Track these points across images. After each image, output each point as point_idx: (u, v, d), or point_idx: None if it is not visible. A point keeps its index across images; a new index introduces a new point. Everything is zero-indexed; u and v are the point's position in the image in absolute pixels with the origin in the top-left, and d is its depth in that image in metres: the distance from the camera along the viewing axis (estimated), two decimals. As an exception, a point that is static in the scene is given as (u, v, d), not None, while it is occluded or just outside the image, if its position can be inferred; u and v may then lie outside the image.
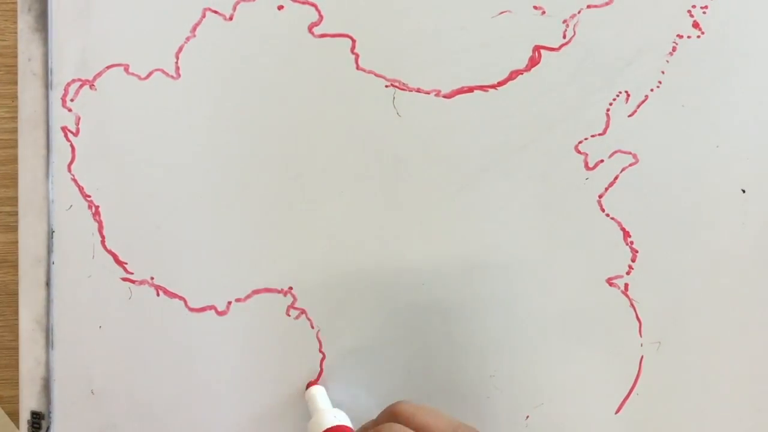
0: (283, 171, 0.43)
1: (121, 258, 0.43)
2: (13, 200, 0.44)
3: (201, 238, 0.43)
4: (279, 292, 0.43)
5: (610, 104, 0.43)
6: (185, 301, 0.43)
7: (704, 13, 0.42)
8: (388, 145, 0.43)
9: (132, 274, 0.43)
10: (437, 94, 0.43)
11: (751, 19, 0.42)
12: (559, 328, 0.43)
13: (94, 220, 0.43)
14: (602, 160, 0.43)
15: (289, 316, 0.43)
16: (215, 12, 0.43)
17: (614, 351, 0.43)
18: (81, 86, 0.43)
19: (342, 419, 0.39)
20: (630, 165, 0.43)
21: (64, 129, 0.44)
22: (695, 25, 0.42)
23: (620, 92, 0.43)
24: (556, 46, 0.43)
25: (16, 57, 0.44)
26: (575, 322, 0.43)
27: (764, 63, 0.42)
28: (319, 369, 0.43)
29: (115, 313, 0.43)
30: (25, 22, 0.43)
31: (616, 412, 0.43)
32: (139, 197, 0.43)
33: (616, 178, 0.43)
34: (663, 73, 0.43)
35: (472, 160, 0.43)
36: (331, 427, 0.37)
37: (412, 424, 0.33)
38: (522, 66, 0.43)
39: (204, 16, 0.43)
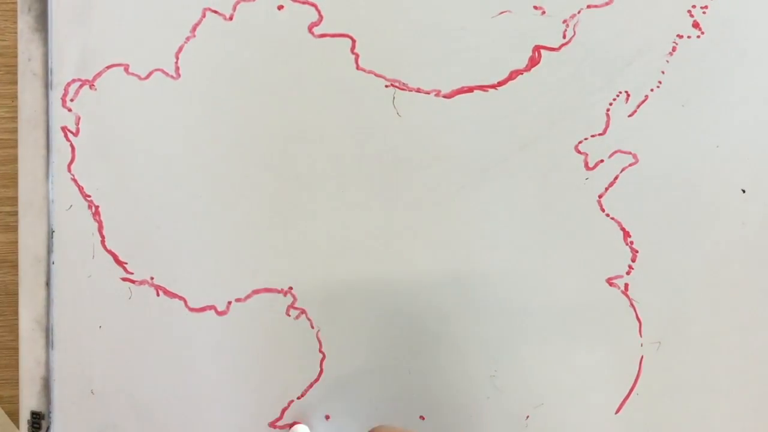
0: (282, 171, 0.43)
1: (121, 258, 0.43)
2: (13, 200, 0.44)
3: (201, 238, 0.43)
4: (279, 292, 0.43)
5: (610, 104, 0.43)
6: (185, 301, 0.43)
7: (704, 13, 0.42)
8: (388, 145, 0.43)
9: (132, 274, 0.43)
10: (437, 94, 0.43)
11: (750, 19, 0.42)
12: (559, 328, 0.43)
13: (94, 220, 0.43)
14: (602, 160, 0.43)
15: (289, 316, 0.43)
16: (215, 12, 0.43)
17: (614, 351, 0.43)
18: (81, 86, 0.43)
19: None
20: (630, 165, 0.43)
21: (64, 129, 0.44)
22: (695, 25, 0.42)
23: (620, 92, 0.43)
24: (556, 46, 0.43)
25: (16, 57, 0.44)
26: (575, 322, 0.43)
27: (764, 63, 0.42)
28: (319, 369, 0.43)
29: (115, 313, 0.43)
30: (25, 22, 0.43)
31: (616, 412, 0.43)
32: (139, 197, 0.43)
33: (616, 178, 0.43)
34: (663, 73, 0.43)
35: (472, 160, 0.43)
36: None
37: None
38: (522, 66, 0.43)
39: (204, 16, 0.43)
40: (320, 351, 0.43)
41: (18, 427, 0.44)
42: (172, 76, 0.43)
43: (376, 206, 0.43)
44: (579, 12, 0.43)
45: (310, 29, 0.43)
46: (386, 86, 0.43)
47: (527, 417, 0.43)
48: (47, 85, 0.43)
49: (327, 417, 0.43)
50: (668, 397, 0.43)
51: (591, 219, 0.43)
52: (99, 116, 0.43)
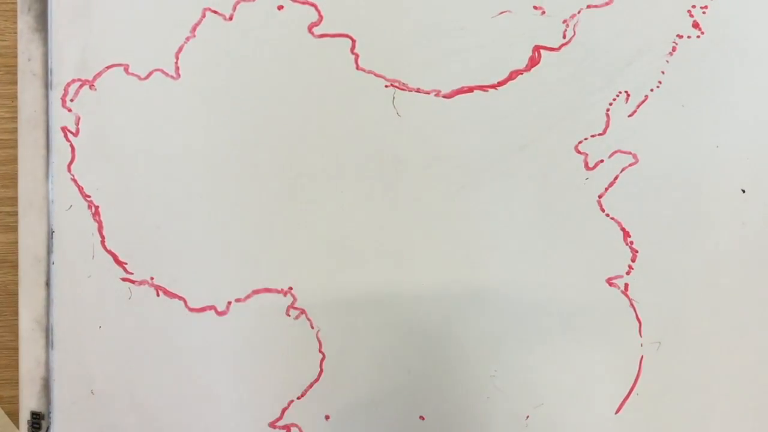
0: (283, 171, 0.43)
1: (121, 258, 0.43)
2: (13, 200, 0.44)
3: (201, 238, 0.43)
4: (279, 292, 0.43)
5: (610, 104, 0.43)
6: (185, 301, 0.43)
7: (704, 13, 0.42)
8: (388, 145, 0.43)
9: (132, 274, 0.43)
10: (437, 94, 0.43)
11: (750, 19, 0.42)
12: (559, 328, 0.43)
13: (94, 220, 0.43)
14: (602, 160, 0.43)
15: (289, 316, 0.43)
16: (215, 12, 0.43)
17: (614, 351, 0.43)
18: (81, 86, 0.43)
19: None
20: (630, 165, 0.43)
21: (63, 129, 0.44)
22: (695, 25, 0.42)
23: (620, 92, 0.43)
24: (556, 46, 0.43)
25: (16, 57, 0.44)
26: (575, 322, 0.43)
27: (764, 63, 0.42)
28: (319, 369, 0.43)
29: (115, 313, 0.43)
30: (25, 22, 0.43)
31: (616, 412, 0.43)
32: (138, 197, 0.43)
33: (616, 178, 0.43)
34: (663, 73, 0.43)
35: (472, 160, 0.43)
36: None
37: None
38: (522, 66, 0.43)
39: (204, 16, 0.43)
40: (320, 351, 0.43)
41: (18, 428, 0.44)
42: (172, 77, 0.43)
43: (376, 206, 0.43)
44: (579, 12, 0.43)
45: (310, 29, 0.43)
46: (386, 86, 0.43)
47: (527, 417, 0.43)
48: (47, 85, 0.43)
49: (327, 417, 0.43)
50: (668, 397, 0.43)
51: (591, 219, 0.43)
52: (99, 116, 0.43)
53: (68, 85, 0.43)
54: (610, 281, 0.43)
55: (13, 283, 0.44)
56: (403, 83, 0.43)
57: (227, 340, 0.43)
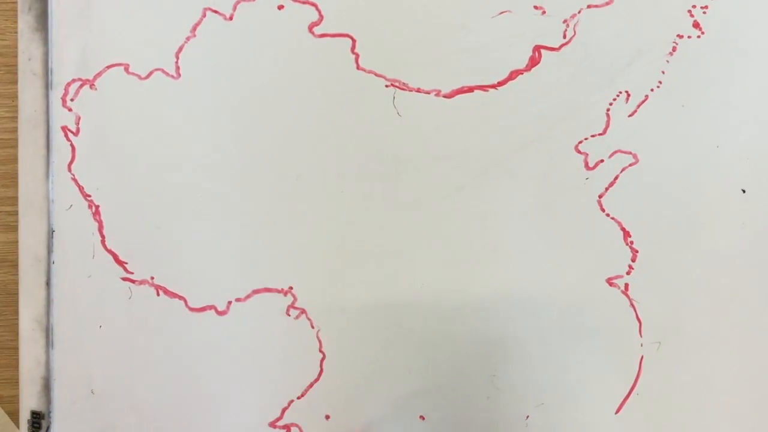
0: (283, 171, 0.43)
1: (121, 258, 0.43)
2: (13, 200, 0.44)
3: (201, 237, 0.43)
4: (279, 291, 0.43)
5: (611, 104, 0.43)
6: (185, 301, 0.43)
7: (704, 13, 0.42)
8: (388, 145, 0.43)
9: (132, 273, 0.43)
10: (437, 94, 0.43)
11: (751, 18, 0.42)
12: (559, 327, 0.43)
13: (94, 219, 0.43)
14: (602, 160, 0.43)
15: (289, 315, 0.43)
16: (215, 12, 0.43)
17: (614, 351, 0.43)
18: (81, 86, 0.43)
19: None
20: (630, 165, 0.43)
21: (64, 129, 0.44)
22: (695, 25, 0.42)
23: (620, 92, 0.43)
24: (557, 46, 0.43)
25: (16, 57, 0.44)
26: (575, 322, 0.43)
27: (764, 63, 0.42)
28: (319, 369, 0.43)
29: (115, 312, 0.43)
30: (25, 21, 0.43)
31: (616, 412, 0.43)
32: (139, 197, 0.43)
33: (616, 178, 0.43)
34: (663, 73, 0.43)
35: (472, 160, 0.43)
36: None
37: None
38: (522, 66, 0.43)
39: (204, 15, 0.43)
40: (320, 351, 0.43)
41: (18, 427, 0.44)
42: (172, 76, 0.43)
43: (376, 206, 0.43)
44: (579, 12, 0.43)
45: (310, 29, 0.43)
46: (386, 86, 0.43)
47: (527, 417, 0.43)
48: (47, 85, 0.43)
49: (327, 417, 0.43)
50: (668, 397, 0.43)
51: (591, 219, 0.43)
52: (99, 116, 0.43)
53: (68, 84, 0.43)
54: (610, 281, 0.43)
55: (14, 282, 0.44)
56: (404, 83, 0.43)
57: (227, 340, 0.43)
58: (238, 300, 0.43)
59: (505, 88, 0.43)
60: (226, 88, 0.43)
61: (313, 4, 0.43)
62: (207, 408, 0.43)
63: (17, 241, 0.43)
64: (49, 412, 0.43)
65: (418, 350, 0.43)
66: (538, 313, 0.43)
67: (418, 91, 0.43)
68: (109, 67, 0.43)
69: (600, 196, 0.43)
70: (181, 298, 0.43)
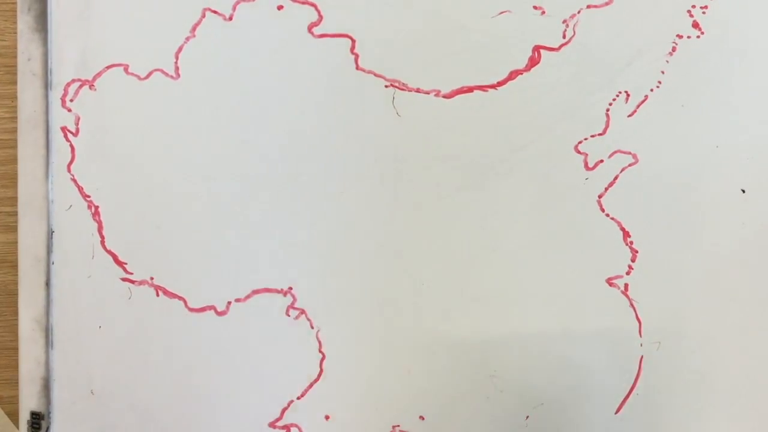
0: (282, 171, 0.43)
1: (121, 258, 0.43)
2: (13, 200, 0.44)
3: (201, 238, 0.43)
4: (279, 292, 0.43)
5: (610, 104, 0.43)
6: (185, 302, 0.43)
7: (704, 13, 0.42)
8: (387, 145, 0.43)
9: (132, 274, 0.43)
10: (437, 94, 0.43)
11: (750, 19, 0.42)
12: (559, 327, 0.43)
13: (94, 220, 0.43)
14: (602, 160, 0.43)
15: (288, 316, 0.43)
16: (215, 12, 0.43)
17: (614, 351, 0.43)
18: (81, 86, 0.43)
19: None
20: (630, 165, 0.43)
21: (63, 129, 0.44)
22: (695, 25, 0.42)
23: (620, 92, 0.43)
24: (556, 46, 0.43)
25: (15, 57, 0.44)
26: (575, 322, 0.43)
27: (764, 63, 0.42)
28: (319, 369, 0.43)
29: (115, 313, 0.43)
30: (24, 22, 0.43)
31: (616, 412, 0.43)
32: (138, 197, 0.43)
33: (615, 178, 0.43)
34: (663, 73, 0.43)
35: (471, 160, 0.43)
36: None
37: None
38: (522, 66, 0.43)
39: (204, 16, 0.43)
40: (320, 351, 0.43)
41: (18, 428, 0.44)
42: (171, 77, 0.43)
43: (376, 206, 0.43)
44: (579, 12, 0.43)
45: (309, 29, 0.43)
46: (386, 86, 0.43)
47: (527, 417, 0.43)
48: (47, 86, 0.43)
49: (327, 417, 0.43)
50: (668, 397, 0.43)
51: (591, 219, 0.43)
52: (99, 116, 0.43)
53: (68, 85, 0.43)
54: (609, 281, 0.43)
55: (13, 283, 0.44)
56: (403, 83, 0.43)
57: (227, 341, 0.43)
58: (237, 300, 0.43)
59: (505, 89, 0.43)
60: (225, 88, 0.43)
61: (313, 5, 0.43)
62: (207, 408, 0.43)
63: (17, 242, 0.43)
64: (49, 413, 0.43)
65: (417, 350, 0.43)
66: (538, 313, 0.43)
67: (418, 91, 0.43)
68: (108, 67, 0.43)
69: (600, 196, 0.43)
70: (180, 298, 0.43)
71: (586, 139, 0.43)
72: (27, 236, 0.43)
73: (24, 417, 0.43)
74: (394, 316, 0.43)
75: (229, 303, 0.43)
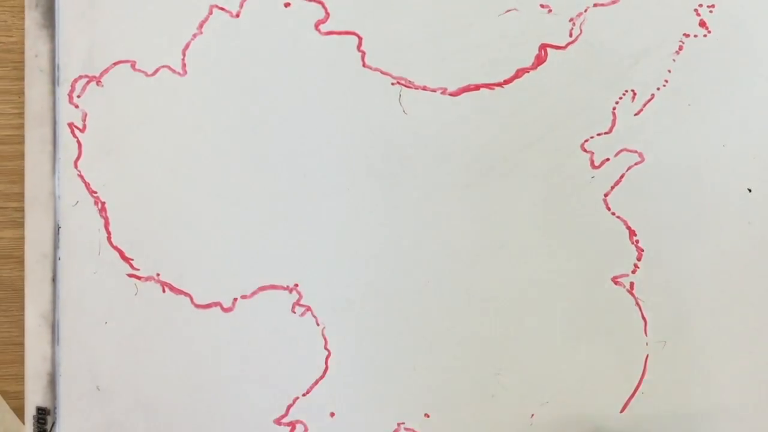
0: (289, 168, 0.43)
1: (127, 254, 0.43)
2: (20, 196, 0.44)
3: (207, 234, 0.43)
4: (285, 288, 0.43)
5: (617, 103, 0.43)
6: (191, 298, 0.43)
7: (711, 12, 0.42)
8: (394, 143, 0.43)
9: (138, 270, 0.43)
10: (443, 92, 0.43)
11: (757, 18, 0.42)
12: (565, 326, 0.43)
13: (101, 216, 0.44)
14: (608, 159, 0.43)
15: (294, 313, 0.43)
16: (222, 9, 0.43)
17: (619, 350, 0.43)
18: (88, 83, 0.44)
19: None
20: (636, 164, 0.43)
21: (70, 125, 0.44)
22: (702, 24, 0.42)
23: (626, 91, 0.43)
24: (563, 45, 0.43)
25: (23, 53, 0.44)
26: (580, 320, 0.43)
27: (771, 62, 0.42)
28: (325, 366, 0.43)
29: (121, 309, 0.43)
30: (32, 18, 0.43)
31: (621, 411, 0.43)
32: (145, 193, 0.43)
33: (621, 176, 0.43)
34: (669, 71, 0.43)
35: (477, 158, 0.43)
36: None
37: None
38: (528, 64, 0.43)
39: (211, 12, 0.43)
40: (326, 348, 0.43)
41: (23, 423, 0.44)
42: (178, 73, 0.43)
43: (382, 203, 0.43)
44: (586, 10, 0.43)
45: (316, 27, 0.43)
46: (392, 84, 0.43)
47: (532, 415, 0.43)
48: (54, 82, 0.43)
49: (332, 414, 0.43)
50: (673, 396, 0.43)
51: (596, 218, 0.43)
52: (106, 113, 0.43)
53: (75, 81, 0.43)
54: (615, 280, 0.43)
55: (20, 278, 0.44)
56: (410, 81, 0.43)
57: (233, 337, 0.43)
58: (243, 297, 0.43)
59: (511, 87, 0.43)
60: (232, 85, 0.43)
61: (320, 2, 0.43)
62: (212, 404, 0.43)
63: (23, 238, 0.43)
64: (55, 408, 0.43)
65: (423, 348, 0.43)
66: (543, 311, 0.43)
67: (424, 89, 0.43)
68: (115, 63, 0.43)
69: (605, 195, 0.43)
70: (186, 294, 0.43)
71: (592, 137, 0.43)
72: (33, 232, 0.43)
73: (30, 412, 0.43)
74: (400, 314, 0.43)
75: (235, 299, 0.43)
